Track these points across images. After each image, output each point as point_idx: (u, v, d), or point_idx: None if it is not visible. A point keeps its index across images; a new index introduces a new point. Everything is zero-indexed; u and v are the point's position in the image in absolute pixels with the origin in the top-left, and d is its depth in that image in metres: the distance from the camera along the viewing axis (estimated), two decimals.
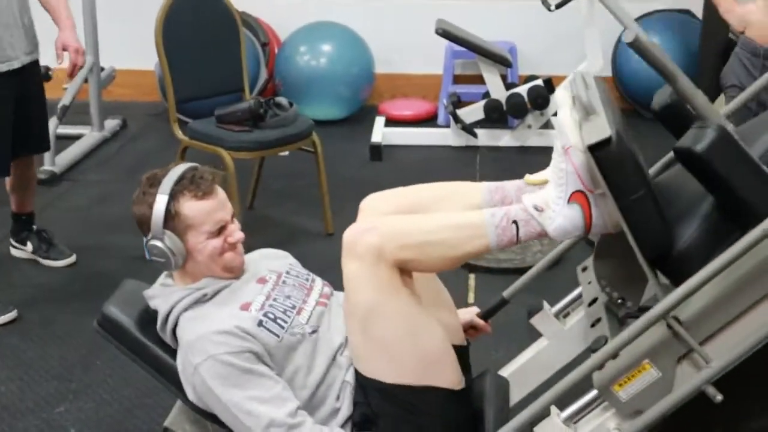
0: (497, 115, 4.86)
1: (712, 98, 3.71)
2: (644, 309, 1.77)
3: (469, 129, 4.93)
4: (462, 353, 2.03)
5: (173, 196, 1.93)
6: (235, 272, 2.02)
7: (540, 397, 1.74)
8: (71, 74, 3.45)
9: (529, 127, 4.96)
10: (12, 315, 3.15)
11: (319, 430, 1.84)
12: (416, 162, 4.86)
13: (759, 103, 2.90)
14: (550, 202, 1.81)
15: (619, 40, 5.52)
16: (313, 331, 1.96)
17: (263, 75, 5.48)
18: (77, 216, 4.11)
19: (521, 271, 2.46)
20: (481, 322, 2.26)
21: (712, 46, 4.53)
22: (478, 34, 4.98)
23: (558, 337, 2.23)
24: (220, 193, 2.00)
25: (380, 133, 5.09)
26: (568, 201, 1.78)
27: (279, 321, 1.92)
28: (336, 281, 2.26)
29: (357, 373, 1.90)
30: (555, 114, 4.99)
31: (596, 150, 1.65)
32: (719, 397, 1.62)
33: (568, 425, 1.78)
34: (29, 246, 3.60)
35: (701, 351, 1.64)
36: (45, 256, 3.58)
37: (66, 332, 3.07)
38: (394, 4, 5.68)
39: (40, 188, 4.01)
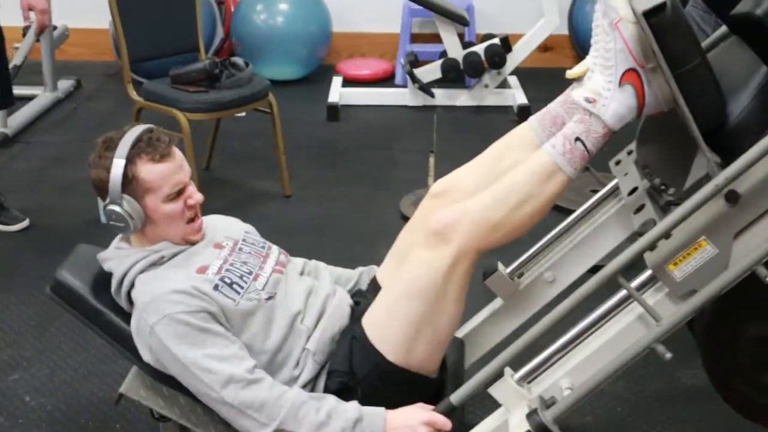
0: (454, 74, 4.85)
1: None
2: (686, 196, 1.71)
3: (426, 88, 4.92)
4: None
5: (130, 160, 1.90)
6: (194, 242, 2.01)
7: (495, 358, 1.74)
8: (38, 34, 3.38)
9: (486, 86, 4.95)
10: None
11: (280, 386, 1.84)
12: (374, 122, 4.85)
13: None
14: (600, 89, 1.77)
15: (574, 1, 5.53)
16: (269, 297, 1.95)
17: (219, 34, 5.40)
18: (30, 179, 4.04)
19: None
20: None
21: None
22: None
23: (513, 297, 2.24)
24: (178, 154, 1.97)
25: (337, 93, 5.06)
26: (620, 83, 1.75)
27: (235, 286, 1.91)
28: (294, 244, 2.25)
29: (360, 336, 1.90)
30: (513, 73, 5.02)
31: (651, 17, 1.59)
32: None
33: (521, 385, 1.78)
34: None
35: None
36: None
37: (19, 299, 3.03)
38: None
39: None
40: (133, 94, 3.66)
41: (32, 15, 3.30)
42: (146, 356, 1.89)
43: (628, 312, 1.78)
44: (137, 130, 1.95)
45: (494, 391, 1.77)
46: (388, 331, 1.88)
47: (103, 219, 3.56)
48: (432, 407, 1.83)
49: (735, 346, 1.81)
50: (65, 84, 5.18)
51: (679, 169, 1.84)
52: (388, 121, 4.86)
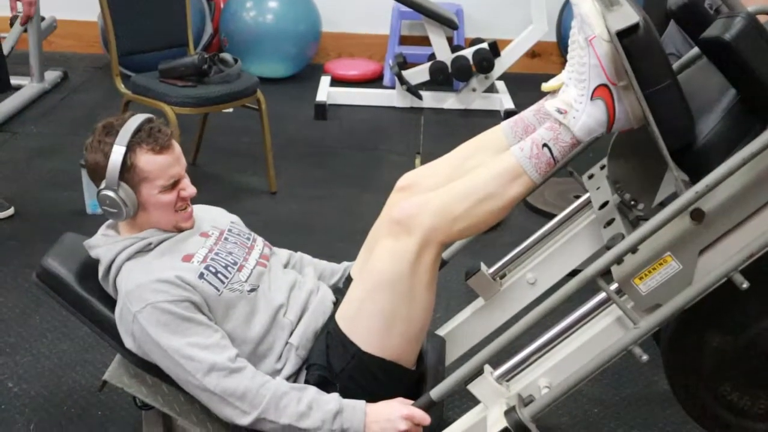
0: (442, 78, 4.88)
1: None
2: (654, 212, 1.75)
3: (414, 90, 4.95)
4: None
5: (130, 148, 1.92)
6: (184, 230, 2.03)
7: (474, 356, 1.77)
8: (24, 23, 3.40)
9: (474, 90, 5.00)
10: None
11: (262, 376, 1.86)
12: (361, 122, 4.87)
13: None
14: (572, 101, 1.80)
15: (564, 6, 5.57)
16: (252, 290, 1.97)
17: (208, 30, 5.42)
18: (15, 169, 4.04)
19: None
20: None
21: (654, 15, 4.58)
22: None
23: (494, 297, 2.27)
24: (177, 147, 2.00)
25: (325, 92, 5.08)
26: (591, 97, 1.77)
27: (220, 276, 1.94)
28: (279, 239, 2.28)
29: (334, 330, 1.92)
30: (500, 78, 5.05)
31: (624, 36, 1.63)
32: (745, 285, 1.63)
33: (500, 383, 1.81)
34: None
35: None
36: None
37: (3, 286, 3.04)
38: None
39: None
40: (121, 87, 3.67)
41: (19, 5, 3.31)
42: (129, 343, 1.91)
43: (606, 314, 1.82)
44: (138, 118, 1.97)
45: (473, 387, 1.80)
46: (360, 322, 1.91)
47: (89, 210, 3.59)
48: (412, 402, 1.86)
49: (697, 357, 1.86)
50: (52, 75, 5.17)
51: (648, 185, 1.89)
52: (376, 121, 4.88)
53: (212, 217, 2.15)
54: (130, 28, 3.66)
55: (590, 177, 2.22)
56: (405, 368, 1.94)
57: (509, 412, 1.71)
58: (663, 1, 4.24)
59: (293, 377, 1.95)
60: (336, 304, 2.06)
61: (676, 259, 1.68)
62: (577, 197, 2.30)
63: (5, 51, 4.37)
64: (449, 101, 5.06)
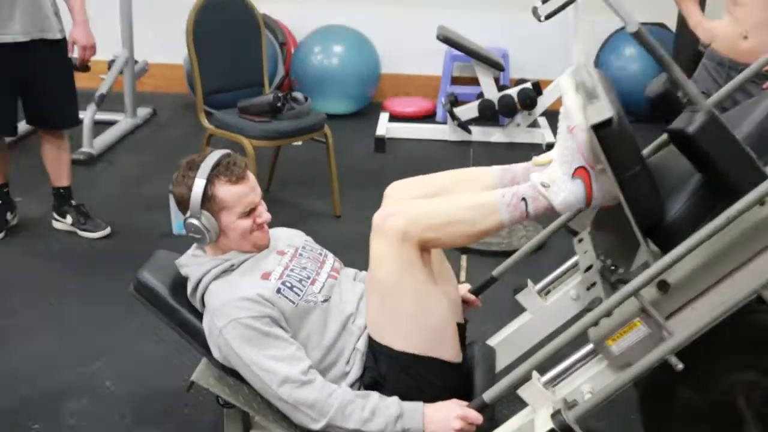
0: (490, 114, 4.89)
1: None
2: (634, 275, 1.79)
3: (464, 126, 4.97)
4: (460, 329, 2.07)
5: (210, 181, 1.97)
6: (262, 249, 2.07)
7: (523, 363, 1.78)
8: (80, 66, 3.47)
9: (518, 125, 5.00)
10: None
11: (329, 386, 1.88)
12: (416, 154, 4.90)
13: (723, 108, 2.93)
14: (556, 178, 1.83)
15: (601, 48, 5.56)
16: (325, 300, 2.00)
17: (280, 72, 5.50)
18: (111, 194, 4.14)
19: (508, 253, 2.49)
20: (472, 297, 2.30)
21: (684, 56, 4.56)
22: (475, 40, 5.02)
23: (540, 311, 2.27)
24: (251, 178, 2.04)
25: (384, 127, 5.12)
26: (572, 176, 1.81)
27: (295, 289, 1.97)
28: (343, 258, 2.30)
29: (370, 340, 1.94)
30: (542, 114, 5.05)
31: (599, 129, 1.66)
32: (680, 366, 1.66)
33: (547, 388, 1.82)
34: (69, 219, 3.63)
35: (666, 326, 1.69)
36: (83, 228, 3.62)
37: (101, 297, 3.11)
38: (401, 10, 5.70)
39: (79, 168, 4.06)
40: (205, 123, 3.74)
41: (76, 50, 3.39)
42: (216, 354, 1.95)
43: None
44: (217, 154, 2.02)
45: (522, 392, 1.81)
46: (384, 328, 1.92)
47: (174, 231, 3.65)
48: (466, 403, 1.87)
49: (668, 408, 1.90)
50: (143, 112, 5.30)
51: (627, 252, 1.92)
52: (429, 153, 4.91)
53: (288, 236, 2.18)
54: (213, 70, 3.74)
55: (579, 241, 2.25)
56: (444, 361, 1.93)
57: (555, 415, 1.72)
58: (693, 43, 4.25)
59: (359, 380, 1.96)
60: None
61: (644, 323, 1.71)
62: None
63: (104, 90, 4.52)
64: (496, 135, 5.07)
